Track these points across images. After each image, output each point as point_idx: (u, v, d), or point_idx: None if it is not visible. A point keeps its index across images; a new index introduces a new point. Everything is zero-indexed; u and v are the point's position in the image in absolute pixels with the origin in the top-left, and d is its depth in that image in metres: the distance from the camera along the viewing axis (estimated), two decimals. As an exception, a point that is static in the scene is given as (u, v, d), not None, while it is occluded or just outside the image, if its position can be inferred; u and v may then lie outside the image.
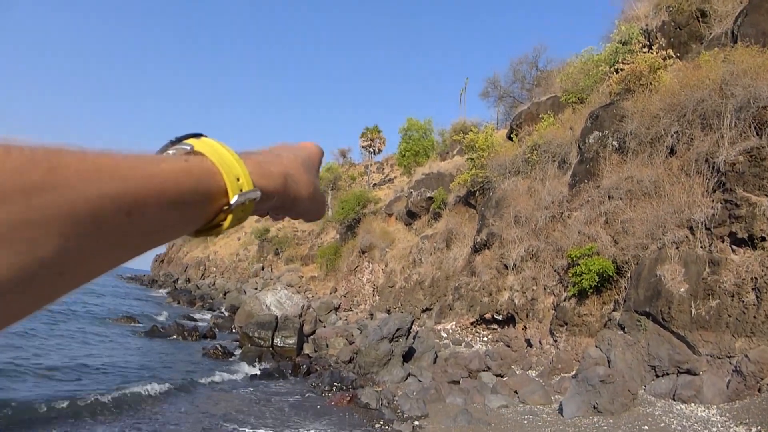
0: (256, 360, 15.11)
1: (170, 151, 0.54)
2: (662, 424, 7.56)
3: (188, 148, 0.54)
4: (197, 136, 0.56)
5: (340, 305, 25.58)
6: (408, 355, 13.67)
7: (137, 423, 8.61)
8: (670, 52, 14.26)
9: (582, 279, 11.83)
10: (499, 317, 15.36)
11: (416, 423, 9.06)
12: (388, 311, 21.00)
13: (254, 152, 0.61)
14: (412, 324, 13.80)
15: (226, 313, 28.92)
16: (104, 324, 20.29)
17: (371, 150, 46.75)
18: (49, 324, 17.56)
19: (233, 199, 0.52)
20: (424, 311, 19.49)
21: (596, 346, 10.34)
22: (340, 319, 23.11)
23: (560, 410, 8.87)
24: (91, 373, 11.83)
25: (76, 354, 13.87)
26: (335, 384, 11.62)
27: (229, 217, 0.54)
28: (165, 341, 17.69)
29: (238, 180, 0.53)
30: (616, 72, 15.08)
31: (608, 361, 9.73)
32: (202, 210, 0.51)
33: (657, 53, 14.06)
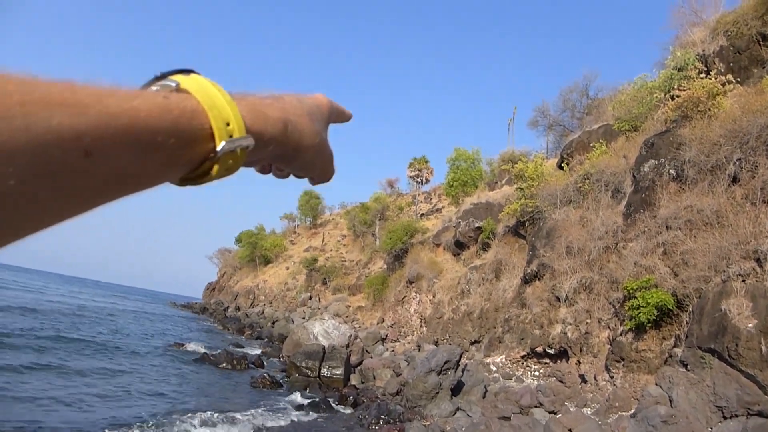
0: (304, 390, 15.13)
1: (153, 88, 0.48)
2: (733, 471, 7.03)
3: (173, 84, 0.48)
4: (187, 72, 0.50)
5: (387, 336, 25.38)
6: (456, 389, 13.35)
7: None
8: (730, 77, 13.77)
9: (639, 312, 11.31)
10: (551, 351, 14.84)
11: (465, 459, 8.77)
12: (436, 343, 20.67)
13: (253, 94, 0.55)
14: (460, 357, 13.51)
15: (275, 342, 29.22)
16: (156, 351, 20.83)
17: (419, 180, 46.88)
18: (100, 351, 18.17)
19: (220, 146, 0.47)
20: (472, 343, 19.07)
21: (656, 384, 9.79)
22: (387, 350, 22.91)
23: (619, 452, 8.40)
24: (138, 399, 12.12)
25: (128, 380, 14.29)
26: (382, 417, 11.44)
27: (216, 167, 0.48)
28: (215, 369, 17.98)
29: (228, 125, 0.47)
30: (672, 99, 14.65)
31: (670, 401, 9.18)
32: (181, 155, 0.45)
33: (715, 78, 13.60)
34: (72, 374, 13.57)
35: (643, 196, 13.64)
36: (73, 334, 21.75)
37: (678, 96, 14.05)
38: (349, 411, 13.02)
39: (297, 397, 14.10)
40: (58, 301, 40.93)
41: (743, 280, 9.74)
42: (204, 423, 10.63)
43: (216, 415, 11.33)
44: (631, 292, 11.88)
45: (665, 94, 15.75)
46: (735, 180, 11.57)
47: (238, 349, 23.34)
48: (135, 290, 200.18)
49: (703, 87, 13.39)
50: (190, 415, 11.17)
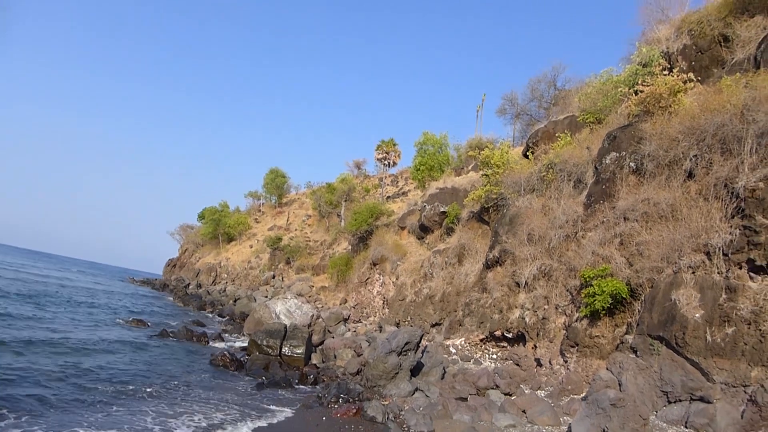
0: (265, 368, 15.10)
1: None
2: (673, 452, 7.41)
3: None
4: None
5: (349, 316, 25.53)
6: (416, 370, 13.58)
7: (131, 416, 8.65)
8: (691, 75, 14.18)
9: (595, 300, 11.71)
10: (509, 335, 15.23)
11: (422, 439, 8.97)
12: (398, 324, 20.92)
13: None
14: (421, 338, 13.72)
15: (236, 321, 29.01)
16: (115, 326, 20.40)
17: (386, 163, 46.91)
18: (54, 325, 17.68)
19: None
20: (433, 326, 19.38)
21: (607, 369, 10.20)
22: (349, 330, 23.07)
23: (569, 432, 8.74)
24: (91, 375, 11.90)
25: (80, 358, 13.99)
26: (342, 396, 11.56)
27: None
28: (174, 345, 17.76)
29: None
30: (636, 93, 15.02)
31: (619, 385, 9.59)
32: None
33: (678, 76, 13.99)
34: (24, 350, 13.19)
35: (604, 187, 14.02)
36: (23, 310, 21.09)
37: (641, 91, 14.41)
38: (309, 389, 13.11)
39: (257, 375, 14.09)
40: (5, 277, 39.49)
41: (693, 272, 10.18)
42: (155, 396, 10.53)
43: (171, 392, 11.24)
44: (587, 280, 12.26)
45: (629, 89, 16.14)
46: (690, 175, 12.00)
47: (199, 327, 23.09)
48: (92, 264, 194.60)
49: (666, 84, 13.77)
50: (145, 392, 11.04)
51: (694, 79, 14.20)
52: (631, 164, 13.48)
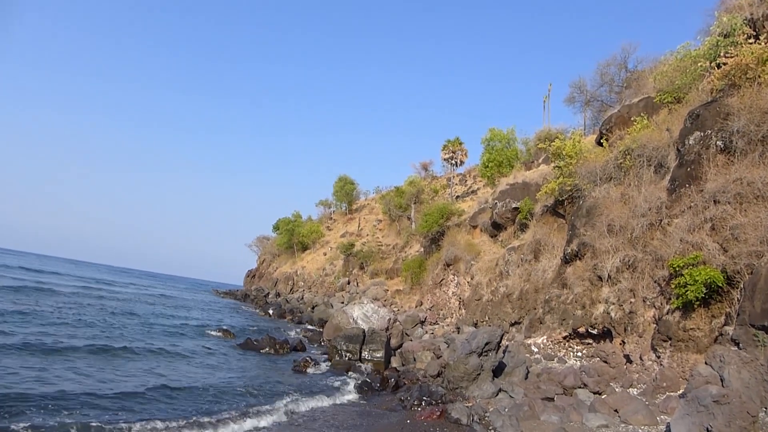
0: (346, 373, 15.32)
1: None
2: (790, 452, 6.78)
3: None
4: None
5: (426, 319, 25.46)
6: (498, 370, 13.30)
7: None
8: (781, 41, 13.05)
9: (687, 290, 10.96)
10: (594, 331, 14.59)
11: (509, 440, 8.75)
12: (475, 325, 20.61)
13: None
14: (501, 338, 13.42)
15: (315, 327, 29.70)
16: (202, 338, 21.43)
17: (453, 162, 46.53)
18: (144, 338, 18.79)
19: None
20: (512, 325, 18.93)
21: (706, 363, 9.50)
22: (427, 332, 22.99)
23: (668, 432, 8.22)
24: (186, 386, 12.52)
25: (178, 366, 14.77)
26: (424, 398, 11.50)
27: None
28: (258, 354, 18.43)
29: None
30: (718, 67, 14.00)
31: (721, 380, 8.90)
32: None
33: (766, 43, 12.90)
34: (127, 358, 14.16)
35: (689, 170, 13.15)
36: (127, 322, 22.62)
37: (725, 64, 13.41)
38: (390, 393, 13.15)
39: (339, 380, 14.32)
40: (103, 289, 42.53)
41: (799, 255, 9.31)
42: (248, 407, 10.93)
43: (261, 398, 11.64)
44: (677, 269, 11.52)
45: (711, 63, 15.06)
46: (788, 150, 11.02)
47: (281, 335, 23.82)
48: (179, 279, 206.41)
49: (752, 53, 12.73)
50: (236, 400, 11.50)
51: (786, 45, 13.05)
52: (719, 143, 12.56)
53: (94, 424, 8.16)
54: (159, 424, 8.68)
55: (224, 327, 24.75)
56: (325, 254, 54.85)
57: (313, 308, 38.31)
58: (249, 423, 9.68)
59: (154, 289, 61.16)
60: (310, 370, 15.29)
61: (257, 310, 43.05)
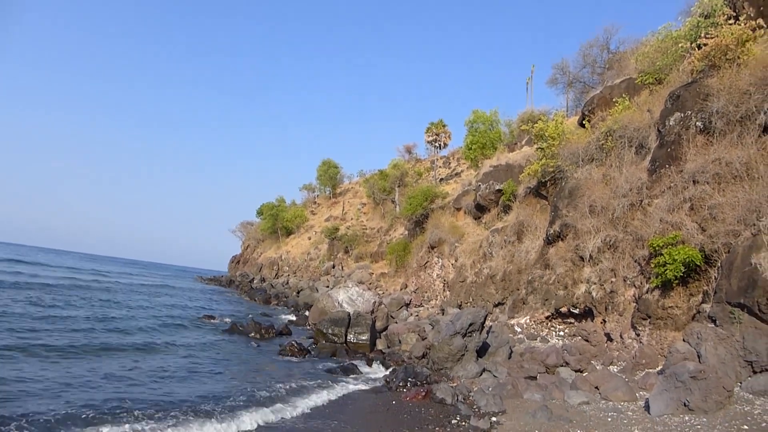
0: (332, 356, 15.38)
1: None
2: (763, 424, 6.98)
3: None
4: None
5: (411, 301, 25.62)
6: (482, 351, 13.46)
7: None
8: (761, 21, 13.13)
9: (666, 269, 11.15)
10: (576, 311, 14.81)
11: (494, 419, 8.89)
12: (460, 306, 20.79)
13: None
14: (485, 319, 13.56)
15: (301, 311, 29.72)
16: (187, 324, 21.31)
17: (437, 145, 46.42)
18: (127, 328, 18.58)
19: None
20: (496, 306, 19.13)
21: (684, 340, 9.71)
22: (412, 314, 23.15)
23: (647, 407, 8.41)
24: (173, 372, 12.47)
25: (162, 356, 14.68)
26: (409, 379, 11.61)
27: None
28: (244, 338, 18.41)
29: None
30: (698, 48, 14.07)
31: (698, 356, 9.11)
32: None
33: (745, 24, 12.98)
34: (110, 351, 13.98)
35: (669, 150, 13.28)
36: (107, 311, 22.40)
37: (705, 45, 13.49)
38: (376, 374, 13.25)
39: (325, 363, 14.38)
40: (90, 279, 42.07)
41: (774, 233, 9.49)
42: (233, 394, 10.92)
43: (246, 384, 11.64)
44: (657, 249, 11.70)
45: (691, 44, 15.14)
46: (765, 130, 11.17)
47: (266, 319, 23.80)
48: (163, 266, 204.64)
49: (732, 34, 12.81)
50: (221, 386, 11.48)
51: (764, 26, 13.15)
52: (698, 123, 12.69)
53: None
54: (138, 414, 8.57)
55: (209, 314, 24.66)
56: (309, 239, 54.70)
57: (298, 293, 38.32)
58: (235, 410, 9.64)
59: (135, 278, 60.54)
60: (295, 355, 15.32)
61: (242, 296, 42.92)
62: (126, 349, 14.27)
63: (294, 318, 26.53)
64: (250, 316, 25.23)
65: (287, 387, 11.25)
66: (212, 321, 22.61)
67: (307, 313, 26.62)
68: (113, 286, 37.00)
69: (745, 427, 6.96)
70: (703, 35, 14.29)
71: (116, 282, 42.82)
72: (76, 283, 34.25)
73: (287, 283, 46.12)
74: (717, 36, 13.16)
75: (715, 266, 10.60)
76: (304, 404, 10.08)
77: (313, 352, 15.80)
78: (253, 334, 18.91)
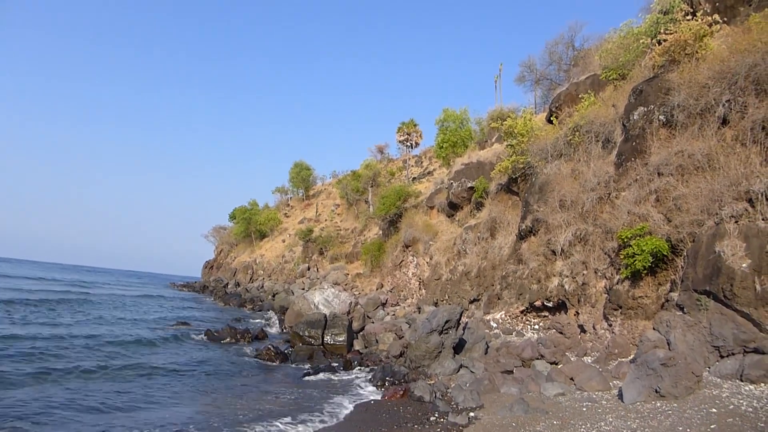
0: (309, 358, 15.29)
1: None
2: (731, 407, 7.21)
3: None
4: None
5: (387, 300, 25.64)
6: (459, 347, 13.56)
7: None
8: (717, 17, 13.56)
9: (635, 260, 11.42)
10: (550, 304, 15.04)
11: (471, 414, 8.96)
12: (436, 304, 20.90)
13: None
14: (461, 315, 13.67)
15: (277, 314, 29.47)
16: (160, 332, 20.93)
17: (408, 144, 46.58)
18: (98, 332, 18.22)
19: None
20: (471, 302, 19.30)
21: (654, 329, 9.96)
22: (388, 314, 23.18)
23: (620, 396, 8.60)
24: (146, 381, 12.23)
25: (137, 364, 14.39)
26: (387, 378, 11.64)
27: None
28: (219, 345, 18.15)
29: None
30: (659, 43, 14.44)
31: (668, 344, 9.36)
32: None
33: (702, 20, 13.38)
34: (87, 373, 13.64)
35: (634, 144, 13.60)
36: (82, 324, 21.84)
37: (665, 40, 13.85)
38: (354, 375, 13.23)
39: (302, 366, 14.28)
40: (62, 290, 40.95)
41: (736, 222, 9.80)
42: (211, 401, 10.76)
43: (224, 392, 11.49)
44: (625, 240, 11.96)
45: (652, 39, 15.53)
46: (725, 122, 11.52)
47: (241, 324, 23.52)
48: (134, 273, 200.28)
49: (690, 29, 13.19)
50: (198, 395, 11.30)
51: (720, 21, 13.58)
52: (661, 117, 13.02)
53: None
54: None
55: (183, 320, 24.25)
56: (283, 241, 54.30)
57: (273, 296, 37.98)
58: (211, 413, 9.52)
59: (104, 288, 59.13)
60: (272, 359, 15.18)
61: (217, 302, 42.34)
62: (95, 370, 13.94)
63: (270, 321, 26.30)
64: (225, 321, 24.90)
65: (263, 391, 11.14)
66: (185, 327, 22.23)
67: (283, 316, 26.41)
68: (89, 298, 36.08)
69: (714, 410, 7.17)
70: (662, 31, 14.68)
71: (87, 293, 41.75)
72: (48, 297, 33.27)
73: (262, 286, 45.68)
74: (676, 32, 13.53)
75: (681, 255, 10.90)
76: (282, 411, 9.99)
77: (290, 356, 15.68)
78: (228, 340, 18.67)
